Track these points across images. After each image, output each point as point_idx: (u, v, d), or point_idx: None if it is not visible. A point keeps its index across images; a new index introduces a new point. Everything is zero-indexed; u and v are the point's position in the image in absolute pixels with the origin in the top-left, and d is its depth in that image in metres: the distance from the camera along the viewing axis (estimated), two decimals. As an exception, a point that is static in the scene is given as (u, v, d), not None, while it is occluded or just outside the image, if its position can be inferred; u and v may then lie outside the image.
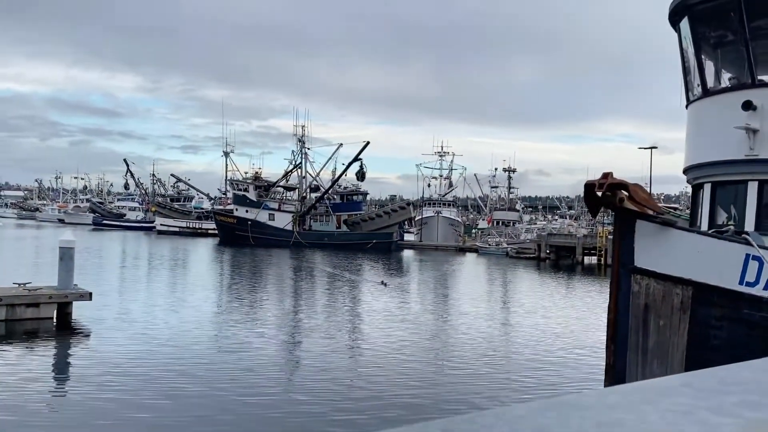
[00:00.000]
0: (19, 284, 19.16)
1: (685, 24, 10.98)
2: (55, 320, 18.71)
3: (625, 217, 7.71)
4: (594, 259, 52.66)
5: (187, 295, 27.43)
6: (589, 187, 7.52)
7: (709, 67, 11.28)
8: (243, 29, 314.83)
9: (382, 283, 33.05)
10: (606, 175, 7.49)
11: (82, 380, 13.39)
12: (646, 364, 7.70)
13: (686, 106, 11.60)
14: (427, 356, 16.68)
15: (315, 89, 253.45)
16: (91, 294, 19.45)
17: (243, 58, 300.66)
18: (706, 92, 10.85)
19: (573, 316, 25.07)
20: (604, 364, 8.06)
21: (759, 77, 10.08)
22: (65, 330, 18.21)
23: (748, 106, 9.56)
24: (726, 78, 11.39)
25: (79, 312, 19.41)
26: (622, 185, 7.47)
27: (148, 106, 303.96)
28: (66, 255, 19.48)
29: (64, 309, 18.94)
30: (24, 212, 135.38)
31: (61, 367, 15.09)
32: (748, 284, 7.48)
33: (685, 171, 11.63)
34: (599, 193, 7.46)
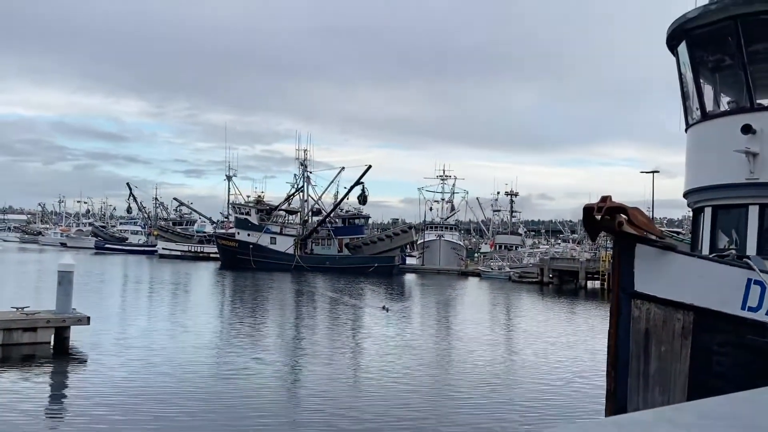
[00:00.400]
0: (17, 308, 19.03)
1: (683, 48, 11.01)
2: (52, 345, 18.55)
3: (625, 241, 7.61)
4: (597, 284, 52.35)
5: (186, 320, 27.25)
6: (588, 210, 7.44)
7: (708, 91, 11.28)
8: (248, 55, 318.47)
9: (384, 308, 32.80)
10: (604, 199, 7.41)
11: (77, 407, 13.21)
12: (648, 390, 7.54)
13: (685, 130, 11.58)
14: (428, 384, 16.45)
15: (318, 114, 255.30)
16: (89, 318, 19.30)
17: (247, 83, 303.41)
18: (705, 116, 10.82)
19: (576, 341, 24.81)
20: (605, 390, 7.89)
21: (758, 101, 10.06)
22: (62, 355, 18.03)
23: (747, 129, 9.53)
24: (725, 102, 11.38)
25: (77, 337, 19.25)
26: (621, 209, 7.38)
27: (153, 130, 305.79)
28: (65, 279, 19.37)
29: (61, 333, 18.77)
30: (27, 236, 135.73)
31: (57, 394, 14.90)
32: (751, 309, 7.36)
33: (686, 195, 11.56)
34: (598, 217, 7.38)
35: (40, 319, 18.52)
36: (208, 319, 28.21)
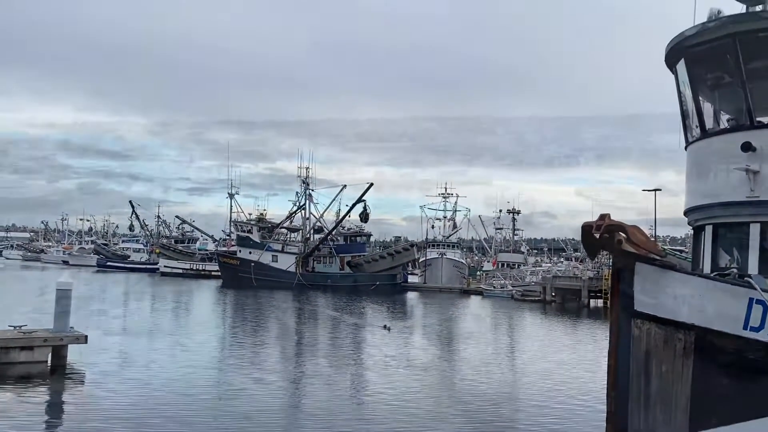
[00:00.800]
0: (15, 327, 18.91)
1: (681, 66, 10.98)
2: (49, 364, 18.39)
3: (624, 259, 7.52)
4: (600, 302, 52.00)
5: (186, 338, 27.07)
6: (587, 229, 7.36)
7: (707, 108, 11.22)
8: (252, 73, 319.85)
9: (385, 327, 32.56)
10: (603, 217, 7.34)
11: (73, 427, 13.06)
12: (649, 411, 7.40)
13: (685, 148, 11.51)
14: (429, 405, 16.23)
15: (320, 132, 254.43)
16: (86, 337, 19.15)
17: (251, 101, 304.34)
18: (705, 134, 10.77)
19: (578, 361, 24.56)
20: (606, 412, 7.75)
21: (757, 118, 10.00)
22: (59, 374, 17.86)
23: (747, 147, 9.46)
24: (724, 119, 11.32)
25: (75, 356, 19.09)
26: (620, 227, 7.30)
27: (157, 149, 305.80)
28: (62, 297, 19.27)
29: (59, 352, 18.63)
30: (29, 254, 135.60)
31: (53, 414, 14.72)
32: (753, 329, 7.23)
33: (686, 213, 11.48)
34: (597, 235, 7.29)
35: (37, 338, 18.39)
36: (208, 338, 28.03)
